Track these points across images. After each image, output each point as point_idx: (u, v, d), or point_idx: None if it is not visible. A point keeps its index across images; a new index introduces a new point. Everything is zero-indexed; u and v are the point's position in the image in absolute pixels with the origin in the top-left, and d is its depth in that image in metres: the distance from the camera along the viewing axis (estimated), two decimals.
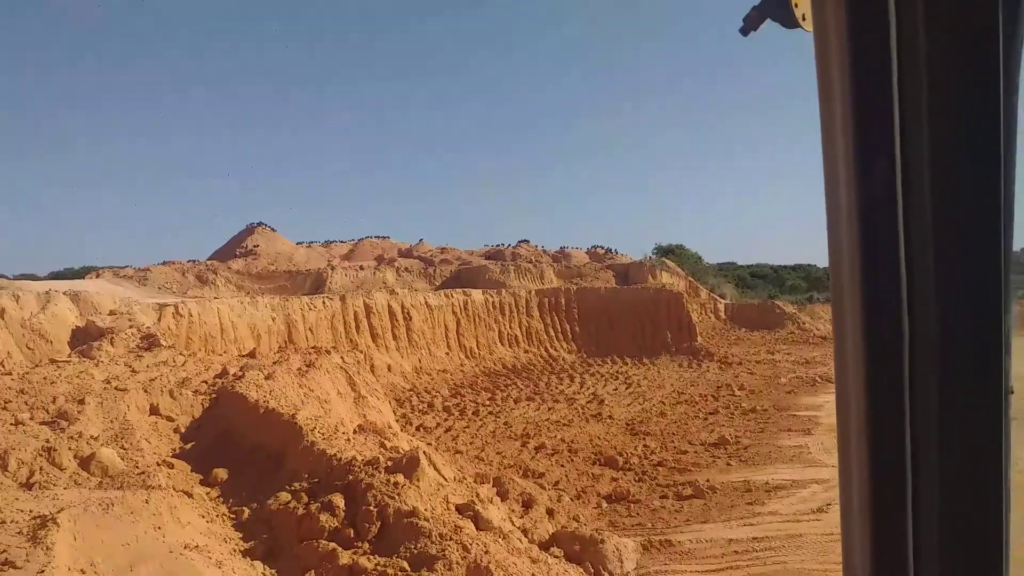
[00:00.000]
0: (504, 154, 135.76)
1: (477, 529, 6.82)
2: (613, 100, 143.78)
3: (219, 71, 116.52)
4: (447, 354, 31.79)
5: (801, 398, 22.17)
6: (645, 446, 16.25)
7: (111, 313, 19.20)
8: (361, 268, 46.45)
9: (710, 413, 20.14)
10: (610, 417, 19.88)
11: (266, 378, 12.28)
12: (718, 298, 48.95)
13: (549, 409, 21.23)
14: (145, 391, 10.27)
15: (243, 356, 17.76)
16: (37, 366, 13.75)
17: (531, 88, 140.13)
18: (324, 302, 27.98)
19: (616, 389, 25.59)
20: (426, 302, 32.58)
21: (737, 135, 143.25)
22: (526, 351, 35.28)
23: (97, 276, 34.97)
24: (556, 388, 25.39)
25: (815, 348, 37.56)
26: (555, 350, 36.03)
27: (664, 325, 37.41)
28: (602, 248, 60.15)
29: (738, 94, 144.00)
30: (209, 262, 46.32)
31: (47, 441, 7.64)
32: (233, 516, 7.14)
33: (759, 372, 29.08)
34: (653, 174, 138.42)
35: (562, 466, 14.65)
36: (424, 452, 7.71)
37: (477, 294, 35.76)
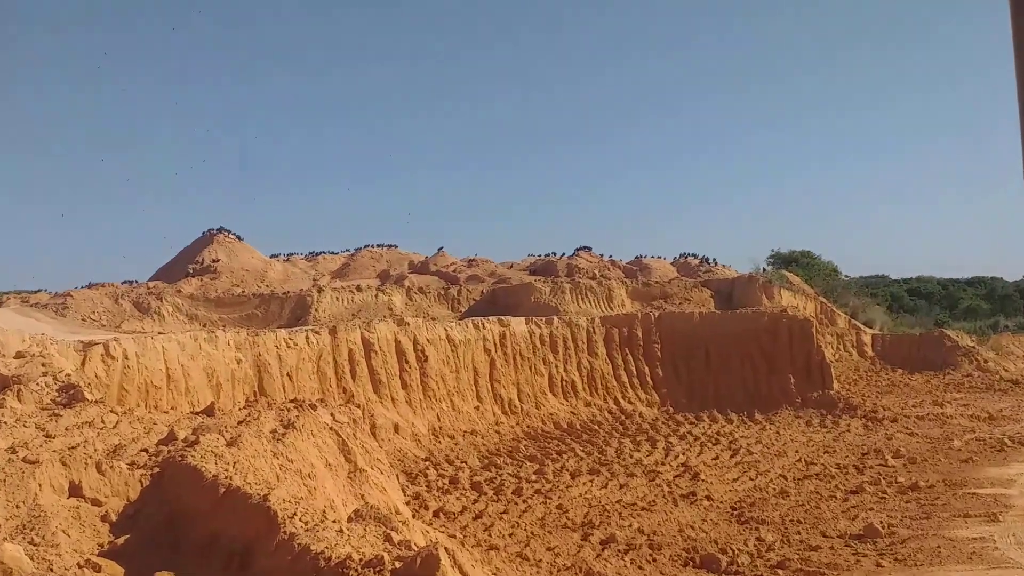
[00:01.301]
0: (548, 147, 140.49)
1: None
2: (705, 88, 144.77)
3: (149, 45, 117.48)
4: (477, 408, 31.99)
5: (983, 469, 22.16)
6: (759, 539, 16.31)
7: (17, 356, 19.43)
8: (358, 289, 46.87)
9: (852, 492, 20.23)
10: (708, 498, 20.03)
11: (228, 444, 12.46)
12: (862, 327, 48.79)
13: (621, 486, 21.45)
14: (63, 464, 10.51)
15: (197, 414, 17.84)
16: None
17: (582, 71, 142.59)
18: (308, 337, 28.31)
19: (716, 458, 25.79)
20: (448, 336, 32.81)
21: (887, 120, 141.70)
22: (588, 403, 35.45)
23: None
24: (631, 456, 25.70)
25: (1003, 397, 37.38)
26: (629, 402, 36.26)
27: (785, 365, 37.39)
28: (694, 257, 60.13)
29: (900, 69, 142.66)
30: (151, 284, 48.25)
31: None
32: None
33: (922, 432, 29.21)
34: (769, 171, 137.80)
35: (640, 568, 14.73)
36: (446, 549, 7.65)
37: (519, 324, 35.76)
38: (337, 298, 44.38)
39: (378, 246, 74.28)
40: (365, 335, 30.10)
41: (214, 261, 57.15)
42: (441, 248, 74.90)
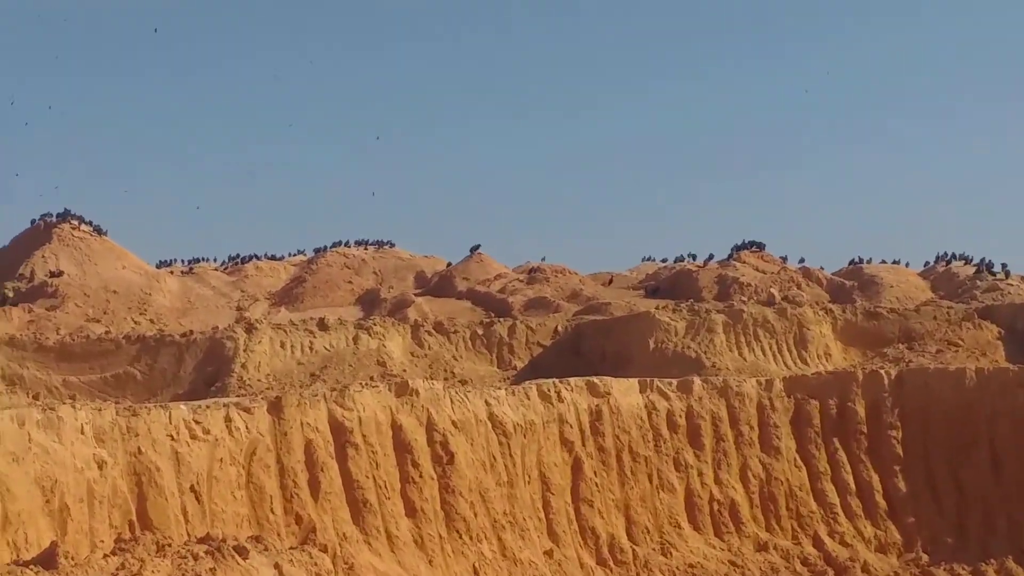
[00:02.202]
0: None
1: None
2: None
3: None
4: (549, 556, 30.15)
5: None
6: None
7: None
8: (322, 327, 43.80)
9: None
10: None
11: None
12: None
13: None
14: None
15: (24, 565, 16.90)
16: None
17: None
18: (230, 418, 27.26)
19: None
20: (492, 415, 31.32)
21: None
22: (761, 545, 33.16)
23: None
24: None
25: None
26: (842, 542, 33.70)
27: None
28: (964, 262, 54.28)
29: None
30: None
31: None
32: None
33: None
34: None
35: None
36: None
37: (627, 392, 34.27)
38: (282, 343, 42.57)
39: (360, 244, 72.66)
40: (336, 414, 28.75)
41: (52, 275, 57.28)
42: (477, 248, 74.17)
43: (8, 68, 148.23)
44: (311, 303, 63.21)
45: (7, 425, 23.52)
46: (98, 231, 70.55)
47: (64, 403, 27.26)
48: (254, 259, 77.86)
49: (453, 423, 30.13)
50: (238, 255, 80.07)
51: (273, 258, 78.67)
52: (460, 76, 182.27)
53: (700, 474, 33.74)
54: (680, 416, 34.08)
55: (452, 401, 30.85)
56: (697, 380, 35.51)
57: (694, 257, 63.18)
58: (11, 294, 56.28)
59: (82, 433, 24.74)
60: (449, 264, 78.17)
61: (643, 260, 74.29)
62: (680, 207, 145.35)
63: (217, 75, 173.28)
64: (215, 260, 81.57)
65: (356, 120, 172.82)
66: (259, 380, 41.48)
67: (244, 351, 41.82)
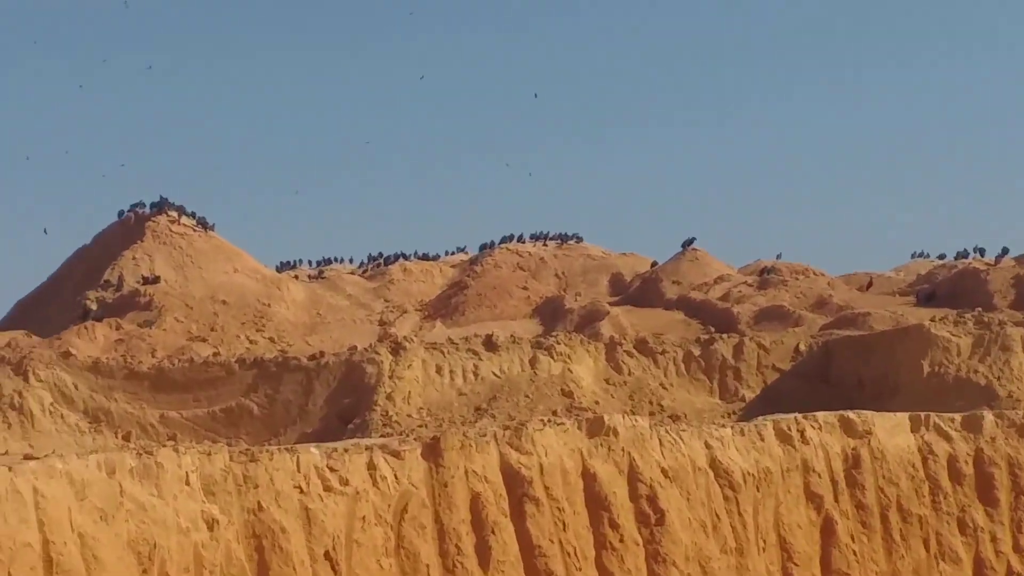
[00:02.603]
0: None
1: None
2: None
3: None
4: None
5: None
6: None
7: None
8: (489, 346, 44.31)
9: None
10: None
11: None
12: None
13: None
14: None
15: None
16: None
17: None
18: (375, 463, 27.01)
19: None
20: (711, 461, 30.80)
21: None
22: None
23: None
24: None
25: None
26: None
27: None
28: None
29: None
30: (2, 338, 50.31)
31: None
32: None
33: None
34: None
35: None
36: None
37: (893, 430, 33.26)
38: (439, 368, 43.07)
39: (538, 239, 75.88)
40: (511, 460, 28.45)
41: (146, 281, 58.75)
42: (692, 243, 76.19)
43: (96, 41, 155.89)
44: (475, 315, 64.10)
45: (93, 474, 23.69)
46: (203, 225, 71.94)
47: (163, 445, 27.82)
48: (401, 259, 78.93)
49: (663, 472, 29.55)
50: (380, 254, 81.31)
51: (425, 257, 79.78)
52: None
53: (994, 539, 32.66)
54: (966, 463, 33.00)
55: (661, 443, 30.26)
56: (988, 415, 34.23)
57: (982, 252, 63.32)
58: (95, 307, 58.53)
59: (187, 484, 24.75)
60: (654, 263, 78.38)
61: (913, 257, 74.28)
62: (960, 190, 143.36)
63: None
64: (351, 261, 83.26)
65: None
66: (409, 415, 41.49)
67: (390, 378, 41.85)
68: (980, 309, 53.07)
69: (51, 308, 75.61)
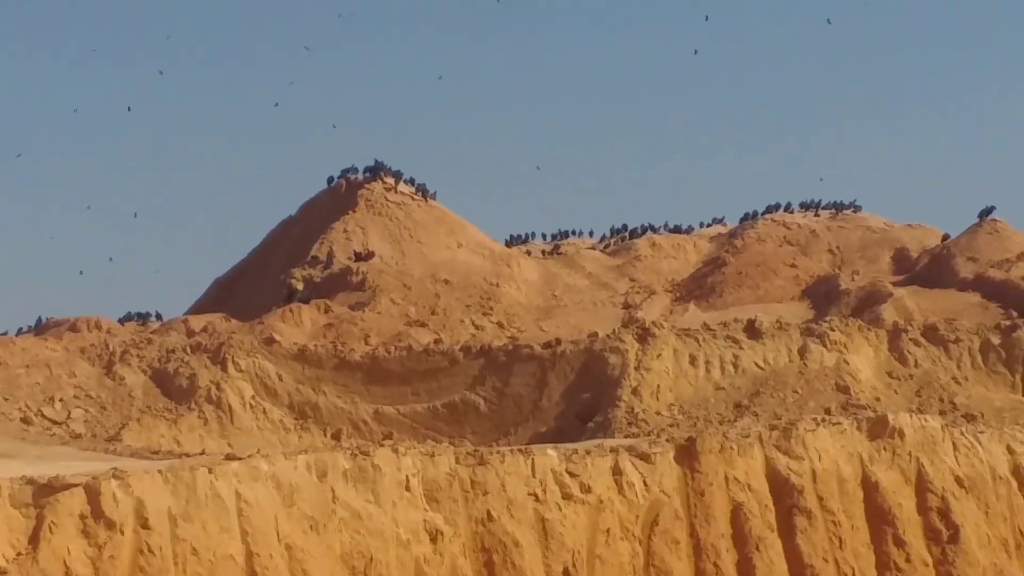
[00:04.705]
0: None
1: None
2: None
3: None
4: None
5: None
6: None
7: None
8: (752, 333, 45.15)
9: None
10: None
11: None
12: None
13: None
14: None
15: None
16: None
17: None
18: (621, 467, 27.31)
19: None
20: (1015, 468, 30.58)
21: None
22: None
23: None
24: None
25: None
26: None
27: None
28: None
29: None
30: (196, 321, 53.21)
31: None
32: None
33: None
34: None
35: None
36: None
37: None
38: (693, 358, 43.67)
39: (808, 208, 75.61)
40: (778, 465, 28.40)
41: (359, 257, 59.60)
42: (990, 213, 74.42)
43: None
44: (735, 297, 63.78)
45: (302, 477, 24.24)
46: (423, 193, 72.54)
47: (380, 445, 28.33)
48: (649, 232, 79.24)
49: (957, 480, 28.96)
50: (624, 227, 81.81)
51: (677, 230, 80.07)
52: None
53: None
54: None
55: (955, 447, 29.71)
56: None
57: None
58: (301, 286, 59.87)
59: (407, 490, 25.06)
60: (946, 237, 77.95)
61: None
62: None
63: None
64: (591, 235, 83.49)
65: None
66: (659, 413, 41.73)
67: (636, 370, 42.17)
68: None
69: (252, 288, 76.82)
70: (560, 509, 27.06)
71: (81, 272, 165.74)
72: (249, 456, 26.63)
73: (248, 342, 53.71)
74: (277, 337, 53.99)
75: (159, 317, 65.79)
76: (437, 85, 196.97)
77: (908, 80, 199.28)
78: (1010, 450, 31.63)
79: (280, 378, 50.90)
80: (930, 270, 76.49)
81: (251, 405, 50.27)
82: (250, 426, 48.67)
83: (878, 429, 30.95)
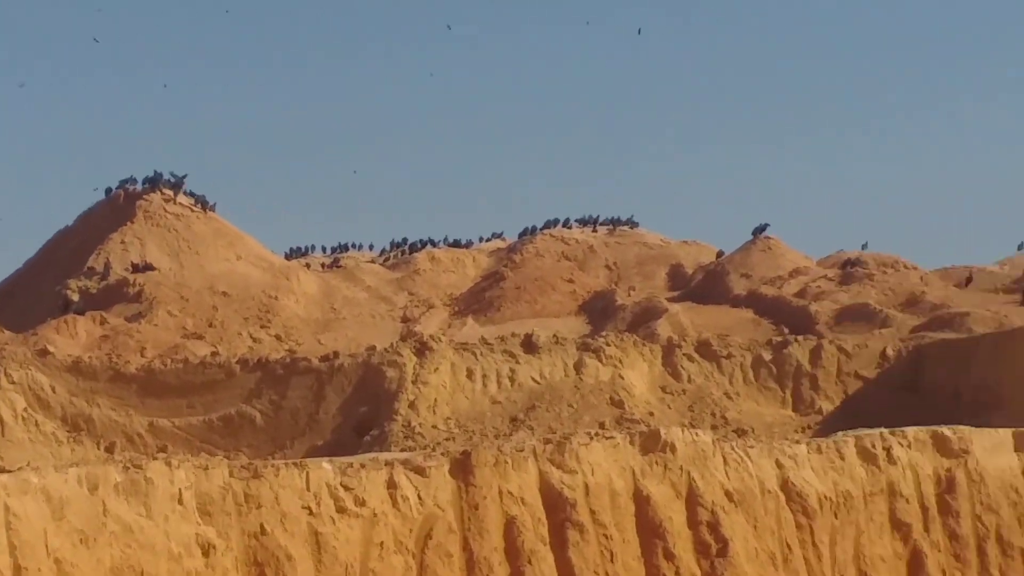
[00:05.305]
0: None
1: None
2: None
3: None
4: None
5: None
6: None
7: None
8: (529, 347, 45.25)
9: None
10: None
11: None
12: None
13: None
14: None
15: None
16: None
17: None
18: (396, 481, 27.31)
19: None
20: (783, 483, 30.84)
21: None
22: None
23: None
24: None
25: None
26: None
27: None
28: None
29: None
30: None
31: None
32: None
33: None
34: None
35: None
36: None
37: (994, 449, 33.02)
38: (470, 372, 44.03)
39: (586, 224, 77.09)
40: (552, 479, 28.39)
41: (136, 268, 59.39)
42: (764, 231, 77.71)
43: None
44: (513, 311, 64.54)
45: (72, 490, 23.57)
46: (203, 205, 71.98)
47: (153, 458, 28.21)
48: (428, 246, 79.83)
49: (727, 494, 29.33)
50: (405, 240, 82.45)
51: (456, 244, 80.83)
52: None
53: None
54: None
55: (725, 461, 30.07)
56: None
57: None
58: (76, 297, 58.88)
59: (180, 503, 24.68)
60: (720, 253, 79.66)
61: (1020, 249, 75.30)
62: None
63: None
64: (371, 248, 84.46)
65: None
66: (436, 426, 41.84)
67: (414, 383, 42.11)
68: None
69: (27, 300, 75.10)
70: (334, 523, 26.74)
71: None
72: (19, 468, 25.85)
73: (21, 353, 52.95)
74: (51, 349, 53.33)
75: None
76: (221, 95, 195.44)
77: (684, 98, 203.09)
78: (779, 464, 31.97)
79: (53, 390, 49.24)
80: (705, 286, 77.79)
81: (23, 417, 48.80)
82: (22, 438, 47.92)
83: (650, 443, 31.17)
